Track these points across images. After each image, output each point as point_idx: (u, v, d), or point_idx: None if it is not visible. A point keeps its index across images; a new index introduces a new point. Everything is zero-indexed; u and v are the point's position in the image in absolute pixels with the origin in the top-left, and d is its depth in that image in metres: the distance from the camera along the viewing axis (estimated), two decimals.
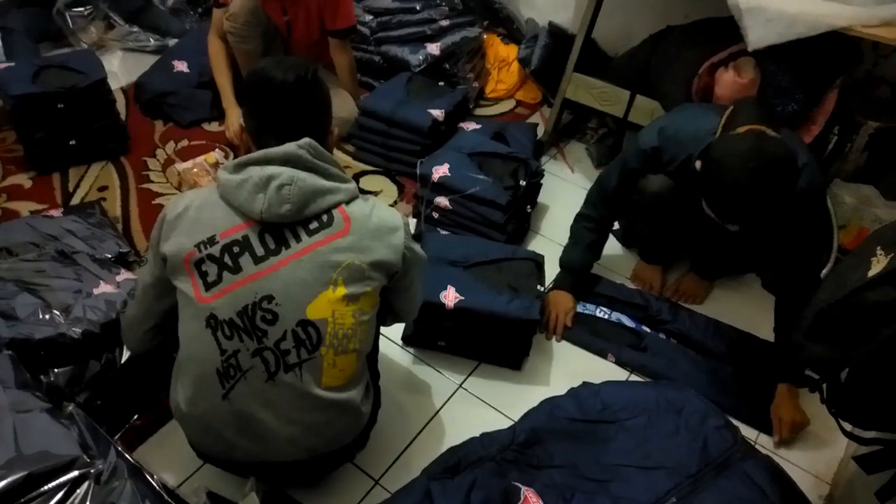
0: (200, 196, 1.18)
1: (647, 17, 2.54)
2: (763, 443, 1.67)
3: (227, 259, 1.13)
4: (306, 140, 1.14)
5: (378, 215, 1.20)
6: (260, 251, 1.13)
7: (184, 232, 1.15)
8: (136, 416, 1.52)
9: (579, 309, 1.91)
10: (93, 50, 2.51)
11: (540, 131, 2.53)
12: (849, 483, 1.48)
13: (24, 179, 2.15)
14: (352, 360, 1.19)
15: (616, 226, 2.15)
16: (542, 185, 2.22)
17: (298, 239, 1.13)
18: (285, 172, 1.10)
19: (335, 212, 1.15)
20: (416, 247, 1.28)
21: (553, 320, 1.86)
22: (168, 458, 1.45)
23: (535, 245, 2.17)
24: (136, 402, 1.52)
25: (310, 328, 1.14)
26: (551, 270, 1.95)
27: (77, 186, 2.15)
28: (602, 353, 1.83)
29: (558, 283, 1.94)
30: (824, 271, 1.99)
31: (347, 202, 1.17)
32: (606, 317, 1.92)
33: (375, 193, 2.30)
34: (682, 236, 1.96)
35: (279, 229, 1.13)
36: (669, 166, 1.70)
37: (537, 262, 1.88)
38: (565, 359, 1.83)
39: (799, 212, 1.55)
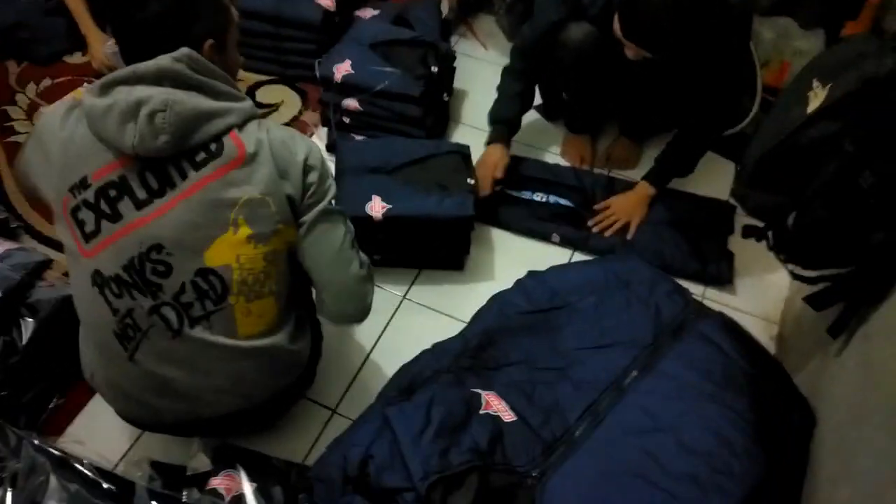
0: (67, 127, 0.97)
1: None
2: (711, 297, 1.68)
3: (103, 205, 0.96)
4: (184, 51, 0.94)
5: (276, 137, 1.02)
6: (141, 194, 0.96)
7: (55, 173, 0.97)
8: (56, 396, 1.39)
9: (515, 194, 1.82)
10: None
11: (444, 9, 2.31)
12: (796, 320, 1.51)
13: None
14: (269, 303, 1.06)
15: (538, 100, 2.03)
16: (455, 68, 2.06)
17: (184, 175, 0.96)
18: (157, 95, 0.91)
19: (226, 139, 0.97)
20: (327, 177, 1.08)
21: (481, 176, 1.76)
22: (103, 433, 1.33)
23: (460, 135, 2.03)
24: (52, 381, 1.38)
25: (211, 277, 0.99)
26: (475, 156, 1.83)
27: None
28: (545, 236, 1.77)
29: (490, 138, 1.84)
30: (749, 118, 1.96)
31: (241, 126, 0.99)
32: (544, 200, 1.84)
33: (276, 106, 2.09)
34: (608, 95, 1.86)
35: (161, 165, 0.96)
36: (591, 8, 1.58)
37: (463, 153, 1.75)
38: (507, 248, 1.76)
39: (727, 36, 1.46)
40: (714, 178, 1.90)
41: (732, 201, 1.79)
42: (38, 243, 1.66)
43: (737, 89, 1.75)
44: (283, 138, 1.03)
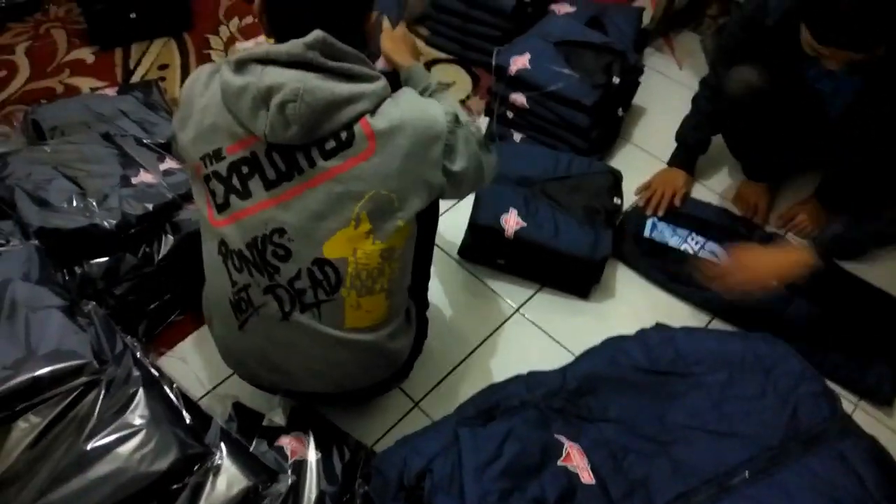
0: (209, 93, 0.96)
1: None
2: (864, 412, 1.42)
3: (235, 181, 0.95)
4: (317, 35, 0.88)
5: (410, 121, 0.94)
6: (271, 174, 0.94)
7: (190, 137, 0.97)
8: (177, 312, 1.48)
9: (667, 238, 1.65)
10: None
11: (647, 18, 2.15)
12: None
13: (86, 54, 2.08)
14: (379, 300, 1.03)
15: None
16: (640, 83, 1.90)
17: (313, 163, 0.92)
18: (289, 83, 0.86)
19: (357, 127, 0.92)
20: (470, 141, 1.00)
21: (657, 197, 1.65)
22: (205, 359, 1.41)
23: (625, 156, 1.89)
24: (177, 297, 1.47)
25: (327, 268, 0.97)
26: (637, 183, 1.69)
27: (138, 63, 2.06)
28: (686, 297, 1.58)
29: (672, 160, 1.72)
30: None
31: (373, 111, 0.93)
32: (698, 247, 1.65)
33: (448, 85, 2.07)
34: (793, 143, 1.63)
35: (289, 150, 0.93)
36: (773, 14, 1.36)
37: (616, 177, 1.63)
38: (640, 289, 1.61)
39: None
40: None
41: None
42: None
43: None
44: (421, 115, 0.95)
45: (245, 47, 2.03)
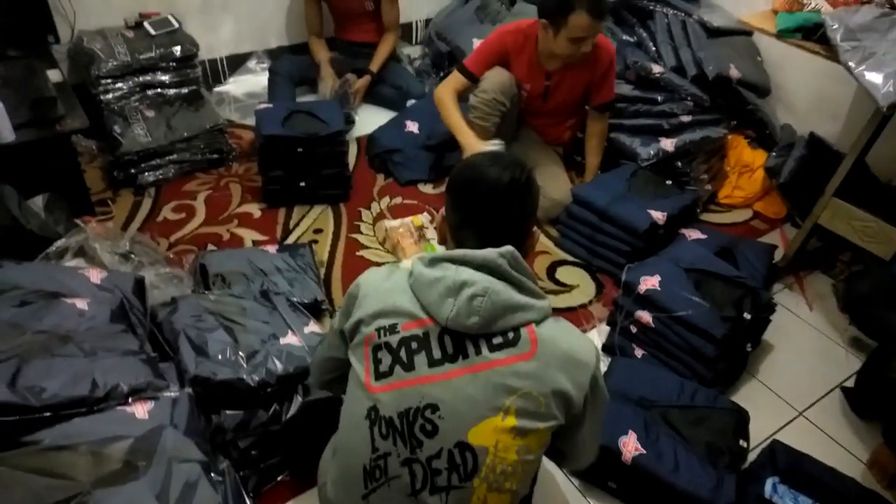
0: (393, 279, 1.12)
1: None
2: None
3: (402, 353, 1.05)
4: (509, 249, 1.04)
5: (569, 343, 1.05)
6: (437, 353, 1.04)
7: (368, 312, 1.10)
8: (287, 472, 1.51)
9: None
10: (337, 102, 2.69)
11: (778, 254, 2.19)
12: None
13: (254, 209, 2.35)
14: (504, 500, 1.03)
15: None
16: (770, 320, 1.89)
17: (479, 351, 1.03)
18: (480, 282, 1.01)
19: (523, 330, 1.03)
20: (604, 388, 1.10)
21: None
22: None
23: (749, 392, 1.83)
24: (290, 457, 1.51)
25: (468, 453, 1.01)
26: (761, 426, 1.62)
27: (297, 224, 2.29)
28: None
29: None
30: None
31: (538, 322, 1.05)
32: None
33: (570, 288, 2.14)
34: None
35: (461, 337, 1.04)
36: None
37: (742, 417, 1.58)
38: None
39: None
40: None
41: None
42: None
43: None
44: (577, 343, 1.06)
45: (391, 226, 2.23)
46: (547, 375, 1.02)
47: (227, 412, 1.41)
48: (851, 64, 1.65)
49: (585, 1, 1.97)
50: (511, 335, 1.03)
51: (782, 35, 1.84)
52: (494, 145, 2.15)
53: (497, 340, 1.03)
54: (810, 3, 1.85)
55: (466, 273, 1.02)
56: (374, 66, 2.92)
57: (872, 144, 1.97)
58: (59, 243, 1.65)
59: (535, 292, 1.06)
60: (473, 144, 2.18)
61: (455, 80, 2.31)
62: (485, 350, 1.02)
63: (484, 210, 1.10)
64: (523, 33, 2.21)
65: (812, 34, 1.80)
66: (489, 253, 1.03)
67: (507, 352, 1.02)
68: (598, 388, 1.08)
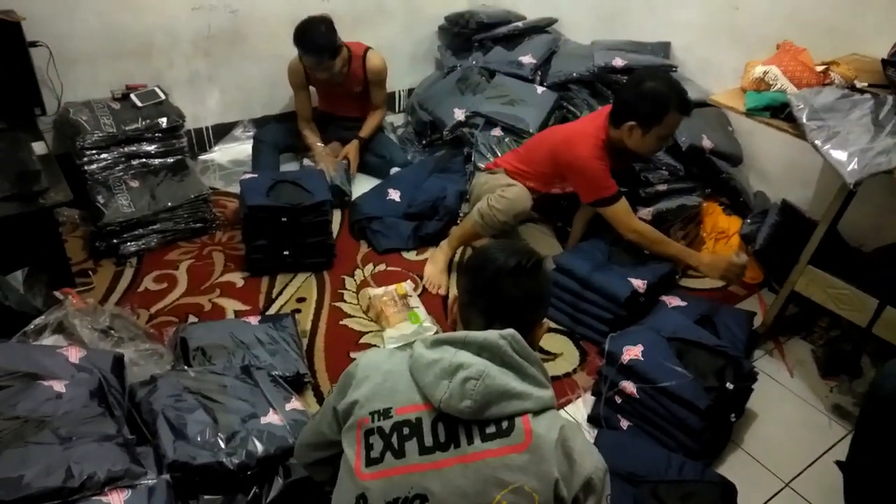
0: (393, 360, 1.12)
1: None
2: None
3: (394, 439, 1.04)
4: (510, 332, 1.05)
5: (567, 440, 1.03)
6: (428, 441, 1.02)
7: (364, 394, 1.09)
8: None
9: None
10: (322, 171, 2.73)
11: (756, 320, 2.22)
12: None
13: (237, 278, 2.34)
14: None
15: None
16: (753, 389, 1.90)
17: (471, 440, 1.01)
18: (476, 365, 1.01)
19: (518, 420, 1.01)
20: (606, 489, 1.06)
21: None
22: None
23: (735, 462, 1.82)
24: None
25: None
26: (749, 498, 1.61)
27: (280, 293, 2.29)
28: None
29: None
30: None
31: (536, 413, 1.03)
32: None
33: (554, 356, 2.15)
34: None
35: (454, 423, 1.02)
36: None
37: (729, 490, 1.57)
38: None
39: None
40: None
41: None
42: (318, 404, 1.87)
43: None
44: (573, 445, 1.03)
45: (374, 294, 2.23)
46: (540, 469, 0.99)
47: (206, 497, 1.37)
48: (818, 142, 1.72)
49: (677, 102, 2.05)
50: (505, 424, 1.01)
51: (751, 114, 1.92)
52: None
53: (490, 430, 1.01)
54: (776, 84, 1.93)
55: (464, 356, 1.03)
56: (364, 133, 2.97)
57: (843, 213, 2.04)
58: (38, 321, 1.63)
59: (538, 380, 1.06)
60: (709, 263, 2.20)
61: (624, 207, 2.22)
62: (477, 440, 1.01)
63: (489, 291, 1.12)
64: (598, 147, 2.17)
65: (780, 113, 1.88)
66: (490, 334, 1.04)
67: (499, 442, 1.00)
68: (593, 495, 1.03)
